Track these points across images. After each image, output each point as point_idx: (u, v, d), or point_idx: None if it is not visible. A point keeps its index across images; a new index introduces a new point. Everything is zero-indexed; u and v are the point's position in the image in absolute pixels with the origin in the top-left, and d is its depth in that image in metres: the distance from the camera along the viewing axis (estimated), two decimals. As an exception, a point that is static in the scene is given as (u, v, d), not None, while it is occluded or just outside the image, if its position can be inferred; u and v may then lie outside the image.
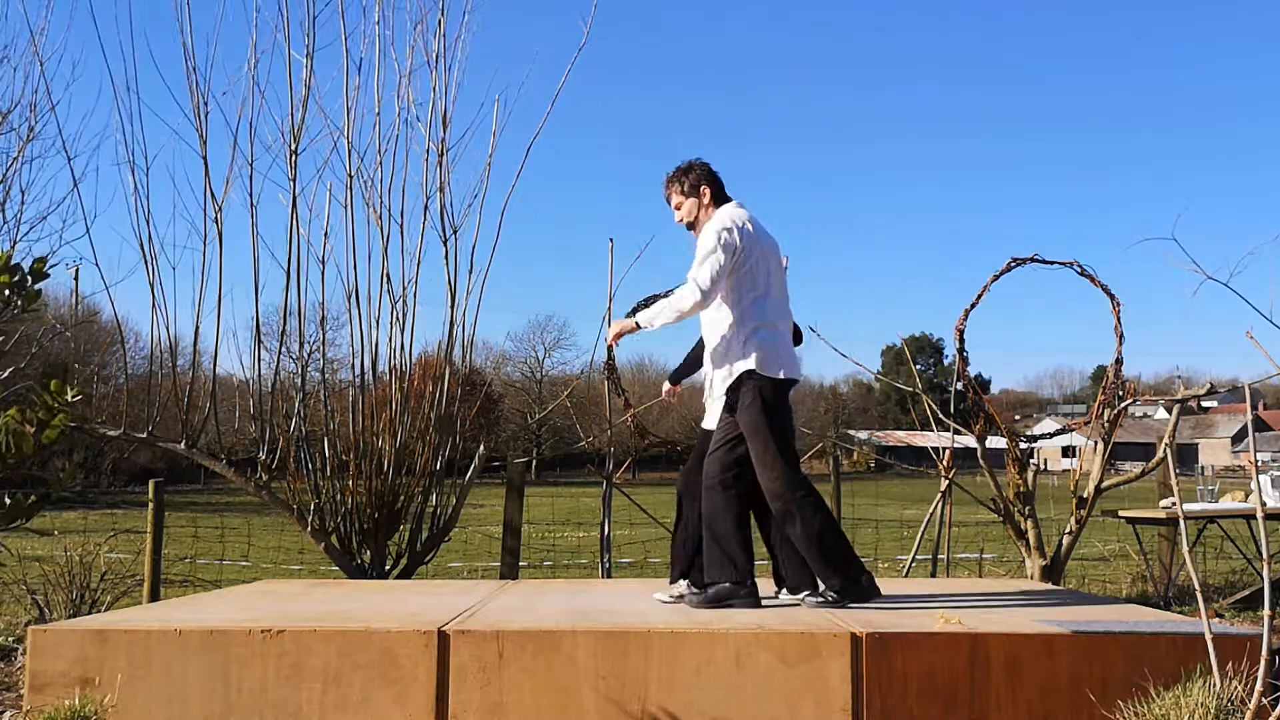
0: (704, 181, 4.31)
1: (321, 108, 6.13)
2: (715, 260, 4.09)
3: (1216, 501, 7.93)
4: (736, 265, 4.12)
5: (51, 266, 2.30)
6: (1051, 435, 6.99)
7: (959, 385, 6.56)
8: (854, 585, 4.11)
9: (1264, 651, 2.81)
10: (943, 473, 6.59)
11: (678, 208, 4.34)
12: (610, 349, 6.64)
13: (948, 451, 6.62)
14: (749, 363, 4.13)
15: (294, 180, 6.05)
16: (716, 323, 4.23)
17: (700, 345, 4.48)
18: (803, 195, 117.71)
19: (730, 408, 4.20)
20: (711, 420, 4.38)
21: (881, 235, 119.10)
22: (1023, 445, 6.36)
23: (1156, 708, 3.00)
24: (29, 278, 2.18)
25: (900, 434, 69.26)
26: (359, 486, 5.92)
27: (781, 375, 4.16)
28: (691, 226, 4.33)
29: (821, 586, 4.16)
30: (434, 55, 6.21)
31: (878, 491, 23.85)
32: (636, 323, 4.24)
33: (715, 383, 4.30)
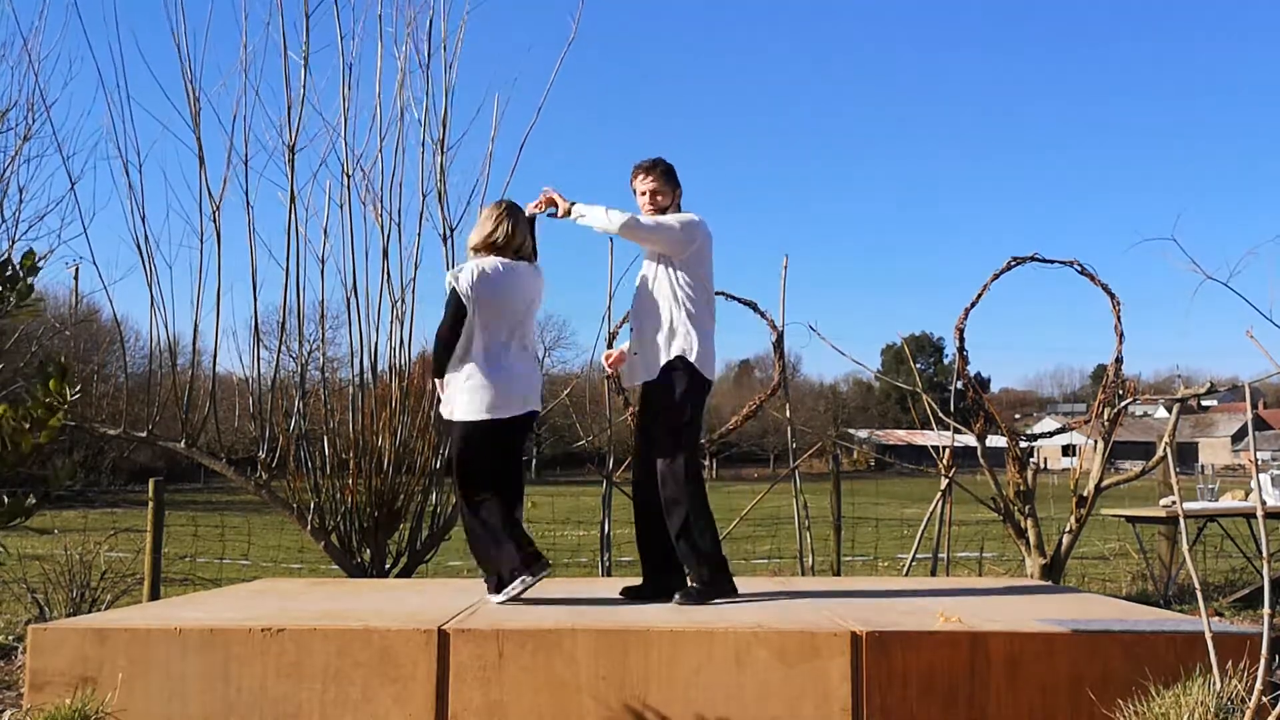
0: (678, 183, 4.52)
1: (317, 106, 6.14)
2: (670, 229, 4.31)
3: (1216, 500, 7.93)
4: (698, 260, 4.34)
5: (42, 261, 2.29)
6: (1051, 434, 6.99)
7: (959, 384, 6.56)
8: (723, 581, 4.21)
9: (1264, 650, 2.81)
10: (943, 472, 6.58)
11: (656, 193, 4.42)
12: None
13: (948, 450, 6.61)
14: (690, 354, 4.27)
15: (291, 179, 6.06)
16: (668, 309, 4.32)
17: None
18: (803, 194, 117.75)
19: (650, 389, 4.34)
20: (631, 377, 4.48)
21: (881, 234, 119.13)
22: (1022, 444, 6.36)
23: (1156, 706, 3.00)
24: (21, 273, 2.17)
25: (900, 433, 69.19)
26: (359, 485, 5.92)
27: (709, 378, 4.37)
28: (660, 212, 4.43)
29: (689, 583, 4.24)
30: (428, 53, 6.22)
31: (878, 490, 23.84)
32: (571, 205, 4.34)
33: (643, 360, 4.36)
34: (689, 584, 4.24)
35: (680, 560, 4.27)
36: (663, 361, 4.29)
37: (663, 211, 4.42)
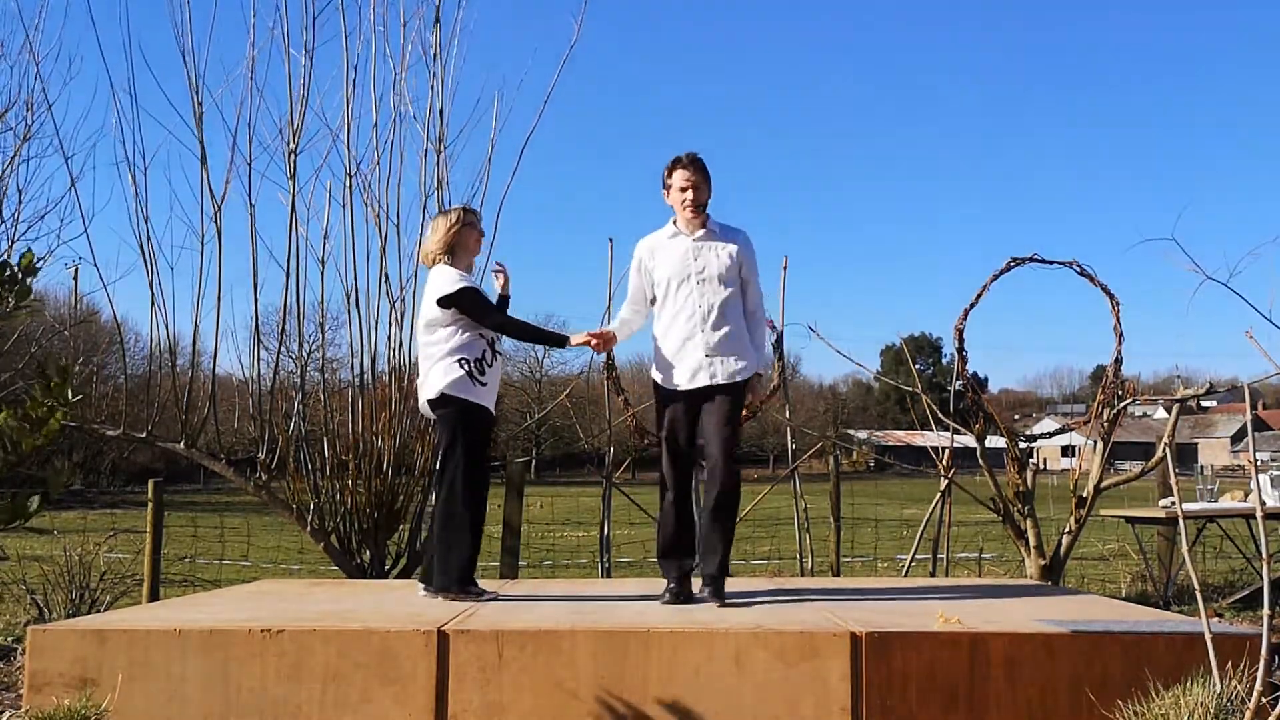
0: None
1: (319, 107, 6.15)
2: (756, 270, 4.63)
3: (1216, 501, 7.92)
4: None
5: (41, 262, 2.29)
6: (1051, 435, 6.98)
7: (958, 385, 6.56)
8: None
9: (1263, 651, 2.81)
10: (942, 472, 6.58)
11: (696, 187, 4.45)
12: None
13: (947, 451, 6.61)
14: (758, 366, 4.53)
15: (293, 179, 6.07)
16: (742, 323, 4.50)
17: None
18: (803, 192, 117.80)
19: (728, 390, 4.40)
20: (689, 380, 4.41)
21: (881, 234, 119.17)
22: (1022, 445, 6.36)
23: (1156, 707, 3.00)
24: (20, 274, 2.17)
25: (900, 433, 69.20)
26: (358, 486, 5.92)
27: None
28: (700, 208, 4.47)
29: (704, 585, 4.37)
30: (429, 53, 6.22)
31: (877, 491, 23.86)
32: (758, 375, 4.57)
33: (720, 363, 4.39)
34: (704, 586, 4.33)
35: (703, 561, 4.37)
36: (741, 374, 4.41)
37: (702, 207, 4.46)
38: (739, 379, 4.41)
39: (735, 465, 4.35)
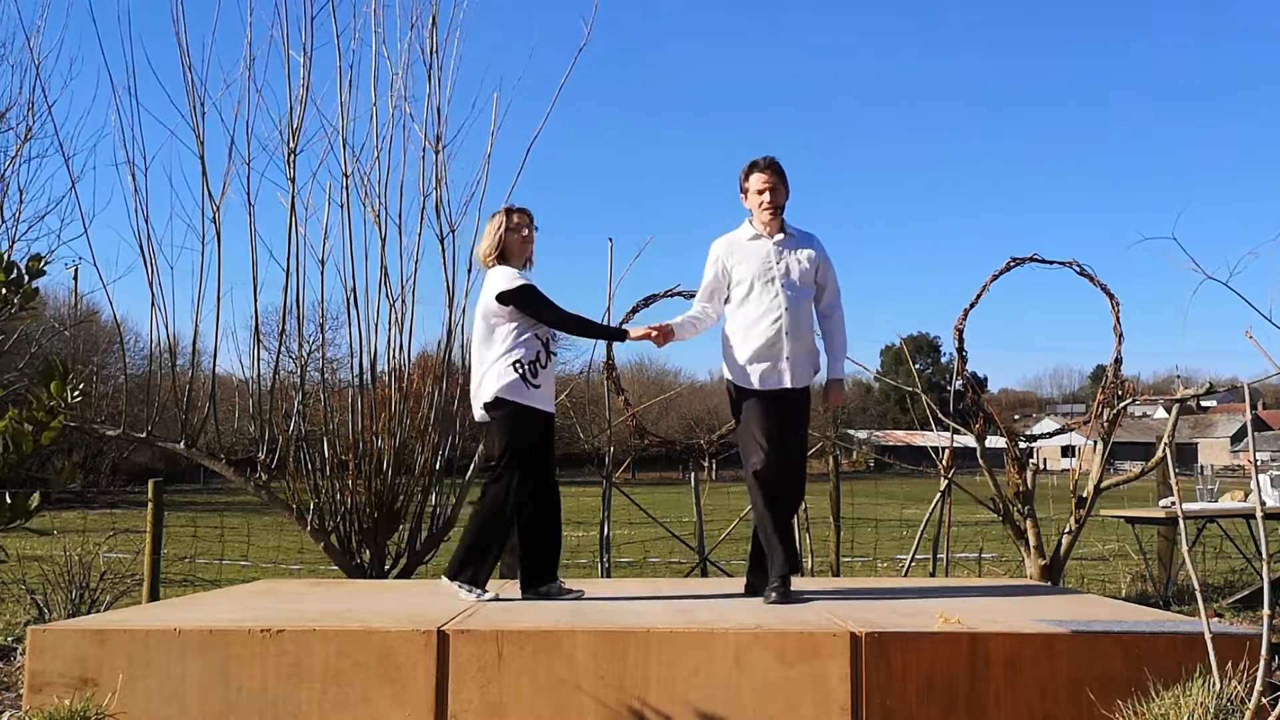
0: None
1: (319, 103, 6.14)
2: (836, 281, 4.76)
3: (1216, 501, 7.92)
4: None
5: (48, 264, 2.30)
6: (1051, 435, 6.99)
7: (958, 384, 6.56)
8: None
9: (1263, 651, 2.81)
10: (942, 472, 6.58)
11: (775, 189, 4.49)
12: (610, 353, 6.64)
13: (947, 451, 6.61)
14: (840, 370, 4.71)
15: (292, 180, 6.06)
16: (812, 330, 4.60)
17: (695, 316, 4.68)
18: (803, 192, 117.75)
19: (805, 400, 4.55)
20: (773, 381, 4.44)
21: (881, 234, 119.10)
22: (1022, 445, 6.36)
23: (1156, 707, 3.00)
24: (25, 275, 2.17)
25: (899, 433, 69.17)
26: (358, 486, 5.92)
27: None
28: (778, 210, 4.51)
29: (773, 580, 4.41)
30: (427, 52, 6.22)
31: (877, 491, 23.83)
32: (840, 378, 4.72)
33: (803, 367, 4.49)
34: (772, 580, 4.37)
35: (780, 555, 4.41)
36: (814, 379, 4.54)
37: (780, 209, 4.50)
38: (811, 382, 4.53)
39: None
